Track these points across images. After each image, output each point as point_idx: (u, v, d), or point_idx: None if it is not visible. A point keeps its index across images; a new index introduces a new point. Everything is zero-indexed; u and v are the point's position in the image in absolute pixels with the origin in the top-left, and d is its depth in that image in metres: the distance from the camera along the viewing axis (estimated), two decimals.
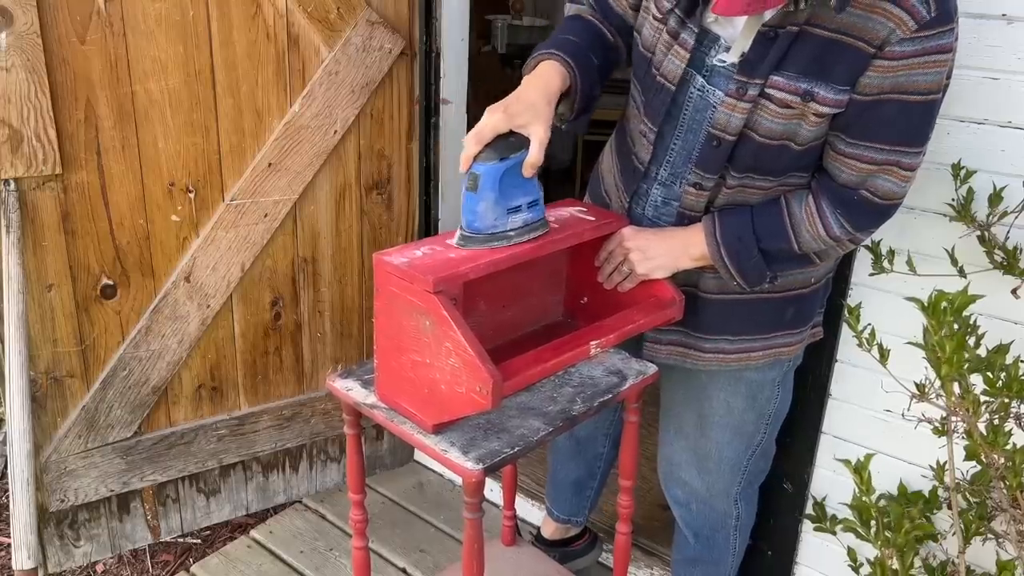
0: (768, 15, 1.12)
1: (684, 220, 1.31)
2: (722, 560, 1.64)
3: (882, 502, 1.28)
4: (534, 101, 1.15)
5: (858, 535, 1.11)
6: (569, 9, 1.39)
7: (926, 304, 1.10)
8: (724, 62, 1.19)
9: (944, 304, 1.08)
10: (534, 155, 1.13)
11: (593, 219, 1.30)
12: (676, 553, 1.72)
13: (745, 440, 1.49)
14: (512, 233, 1.17)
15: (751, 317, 1.36)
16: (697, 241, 1.27)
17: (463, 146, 1.14)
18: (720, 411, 1.45)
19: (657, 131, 1.29)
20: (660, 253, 1.28)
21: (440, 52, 2.02)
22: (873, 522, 1.20)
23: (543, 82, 1.19)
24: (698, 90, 1.22)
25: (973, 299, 1.04)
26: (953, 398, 1.10)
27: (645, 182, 1.35)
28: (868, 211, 1.20)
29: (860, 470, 1.19)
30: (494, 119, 1.13)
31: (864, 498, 1.17)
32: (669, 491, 1.62)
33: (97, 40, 1.62)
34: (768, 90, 1.14)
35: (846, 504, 1.32)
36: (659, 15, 1.23)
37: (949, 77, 1.12)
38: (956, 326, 1.02)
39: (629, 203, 1.38)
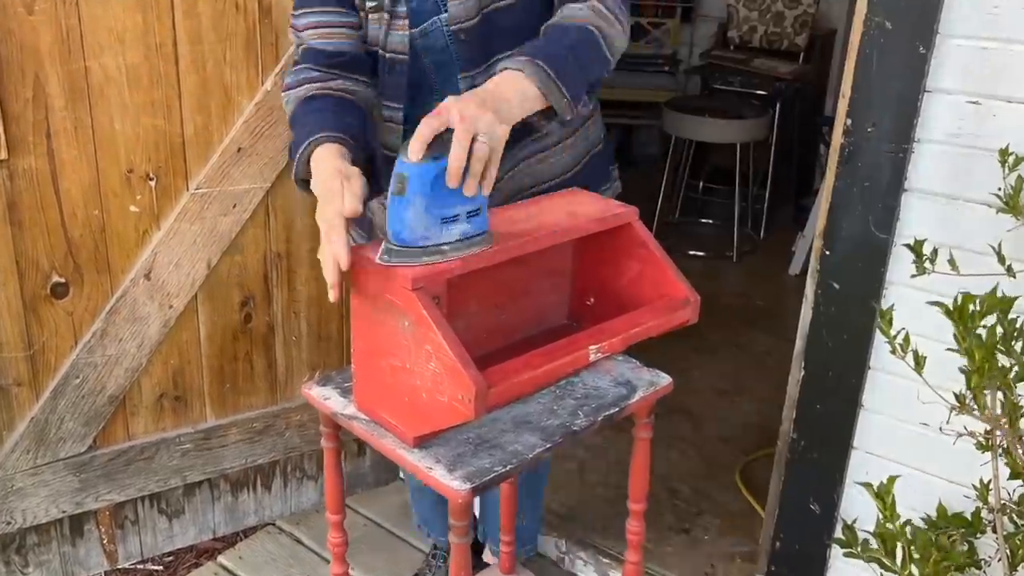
0: None
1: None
2: None
3: (914, 525, 1.27)
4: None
5: (883, 565, 1.11)
6: (296, 92, 1.36)
7: (951, 308, 1.09)
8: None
9: (972, 308, 1.07)
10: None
11: (597, 210, 1.29)
12: None
13: None
14: (447, 247, 1.10)
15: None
16: (517, 80, 1.19)
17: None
18: None
19: (403, 107, 1.39)
20: (505, 103, 1.14)
21: None
22: (900, 551, 1.19)
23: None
24: (430, 34, 1.35)
25: (1008, 302, 1.03)
26: (987, 411, 1.10)
27: None
28: None
29: (883, 494, 1.18)
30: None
31: (888, 525, 1.16)
32: None
33: (47, 9, 1.61)
34: None
35: (869, 531, 1.31)
36: (374, 4, 1.34)
37: None
38: (999, 331, 1.01)
39: None
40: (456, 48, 1.37)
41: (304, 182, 1.26)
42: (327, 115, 1.29)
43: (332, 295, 1.10)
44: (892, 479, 1.12)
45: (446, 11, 1.35)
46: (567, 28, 1.27)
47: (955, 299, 1.09)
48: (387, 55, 1.37)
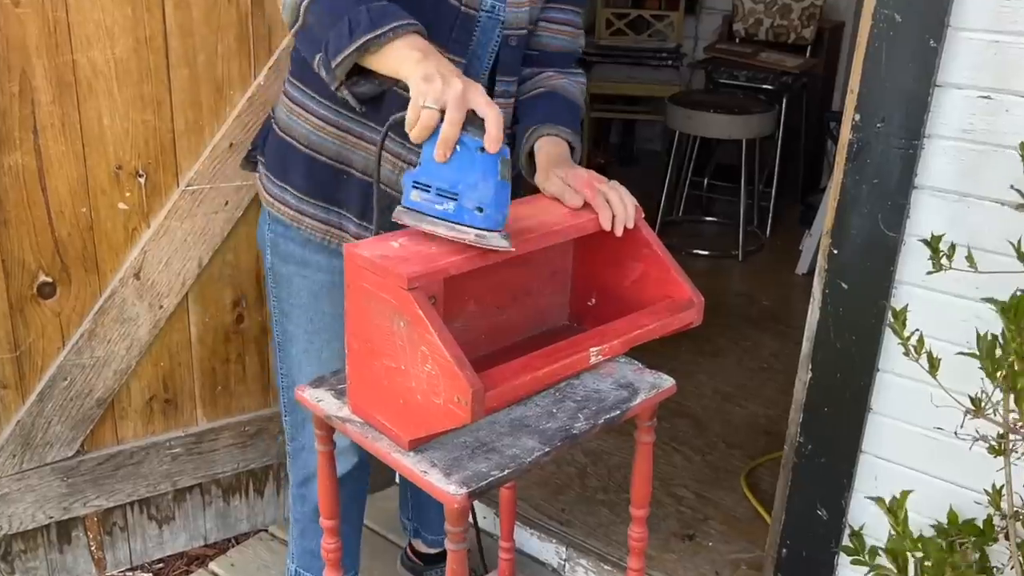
0: None
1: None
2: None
3: (925, 540, 1.26)
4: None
5: None
6: None
7: (1006, 306, 1.08)
8: None
9: None
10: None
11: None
12: None
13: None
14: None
15: None
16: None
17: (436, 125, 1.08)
18: None
19: (466, 63, 1.38)
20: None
21: None
22: (911, 567, 1.19)
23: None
24: (487, 11, 1.39)
25: None
26: (1012, 414, 1.09)
27: None
28: None
29: (895, 510, 1.18)
30: (462, 85, 1.09)
31: (904, 541, 1.16)
32: None
33: (33, 2, 1.60)
34: None
35: (877, 539, 1.31)
36: None
37: None
38: None
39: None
40: (500, 51, 1.41)
41: (350, 69, 1.18)
42: (399, 10, 1.19)
43: (495, 147, 1.07)
44: (905, 494, 1.12)
45: (504, 15, 1.39)
46: (576, 108, 1.50)
47: (1012, 295, 1.09)
48: (462, 7, 1.36)
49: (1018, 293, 1.11)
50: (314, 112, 1.43)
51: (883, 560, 1.26)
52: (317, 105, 1.43)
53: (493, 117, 1.07)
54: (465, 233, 1.09)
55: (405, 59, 1.14)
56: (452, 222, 1.10)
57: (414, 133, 1.10)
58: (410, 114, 1.10)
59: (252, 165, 1.59)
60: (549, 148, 1.39)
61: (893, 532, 1.12)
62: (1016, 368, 1.07)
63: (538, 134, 1.42)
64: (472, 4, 1.36)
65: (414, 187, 1.13)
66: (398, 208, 1.15)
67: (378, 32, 1.15)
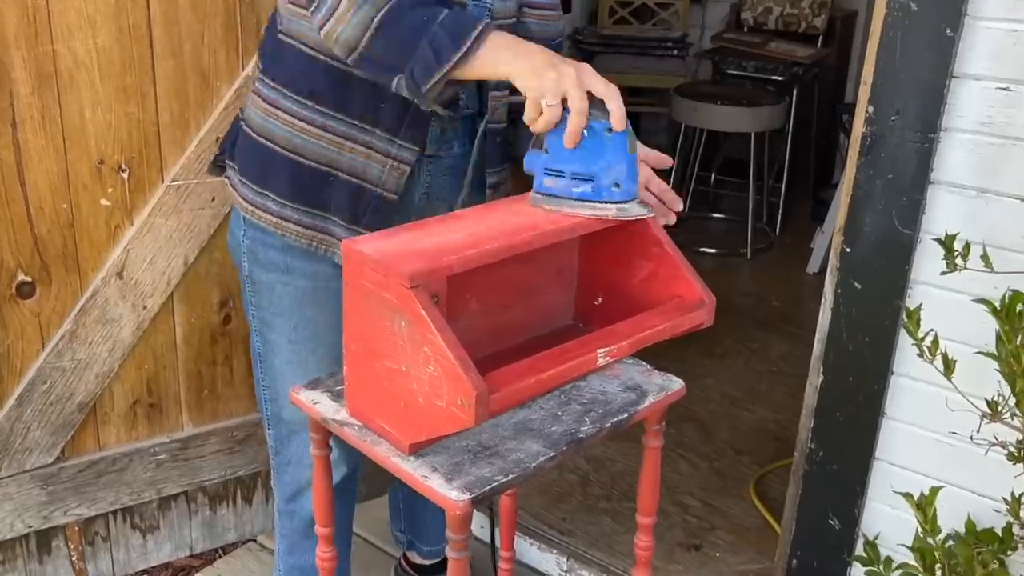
0: None
1: (496, 138, 1.51)
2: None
3: (949, 543, 1.27)
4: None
5: None
6: None
7: (999, 307, 1.10)
8: None
9: (1021, 307, 1.08)
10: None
11: None
12: None
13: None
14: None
15: None
16: None
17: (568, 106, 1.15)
18: None
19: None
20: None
21: None
22: (939, 568, 1.20)
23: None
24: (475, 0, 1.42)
25: None
26: None
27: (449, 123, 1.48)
28: None
29: (924, 506, 1.19)
30: (574, 72, 1.15)
31: (929, 539, 1.17)
32: None
33: None
34: None
35: (905, 546, 1.32)
36: None
37: None
38: None
39: (419, 162, 1.45)
40: None
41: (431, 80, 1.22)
42: (466, 15, 1.29)
43: (622, 126, 1.15)
44: (935, 490, 1.13)
45: (492, 3, 1.41)
46: None
47: (1003, 297, 1.10)
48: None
49: (1009, 292, 1.12)
50: (291, 111, 1.41)
51: (895, 561, 1.27)
52: (295, 104, 1.41)
53: (614, 95, 1.14)
54: (607, 210, 1.21)
55: (499, 62, 1.20)
56: (592, 201, 1.21)
57: (538, 127, 1.18)
58: (530, 112, 1.17)
59: (220, 170, 1.58)
60: None
61: (920, 530, 1.13)
62: (1014, 370, 1.09)
63: None
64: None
65: (547, 174, 1.23)
66: (533, 195, 1.25)
67: (464, 49, 1.20)
